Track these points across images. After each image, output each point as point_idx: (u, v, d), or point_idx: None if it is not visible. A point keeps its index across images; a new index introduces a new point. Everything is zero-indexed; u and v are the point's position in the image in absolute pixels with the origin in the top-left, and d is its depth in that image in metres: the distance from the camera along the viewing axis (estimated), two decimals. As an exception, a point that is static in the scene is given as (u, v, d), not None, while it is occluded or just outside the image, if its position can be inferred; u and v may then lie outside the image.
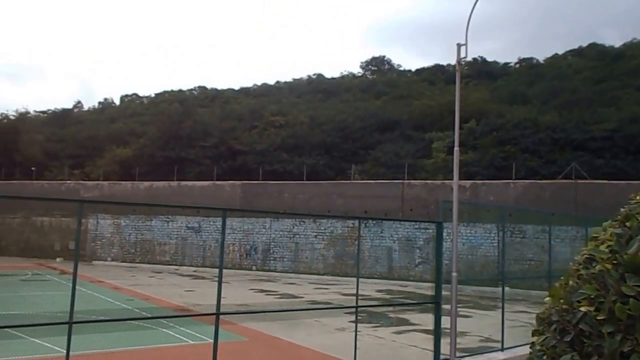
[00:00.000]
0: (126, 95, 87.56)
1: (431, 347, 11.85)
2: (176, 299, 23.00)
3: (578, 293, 3.77)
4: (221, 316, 8.49)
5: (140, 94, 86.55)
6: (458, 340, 12.94)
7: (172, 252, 41.48)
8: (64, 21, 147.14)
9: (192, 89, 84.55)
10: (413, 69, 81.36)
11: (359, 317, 11.36)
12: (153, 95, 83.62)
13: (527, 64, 73.01)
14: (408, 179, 38.59)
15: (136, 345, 14.02)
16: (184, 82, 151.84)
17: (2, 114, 60.43)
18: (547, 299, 4.08)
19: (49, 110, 78.64)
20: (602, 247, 4.01)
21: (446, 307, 12.48)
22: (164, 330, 15.75)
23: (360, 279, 11.29)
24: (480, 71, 68.85)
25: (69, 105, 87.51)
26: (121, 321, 13.34)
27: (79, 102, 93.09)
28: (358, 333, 10.86)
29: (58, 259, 42.63)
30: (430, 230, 32.61)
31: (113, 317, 13.17)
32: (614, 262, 3.77)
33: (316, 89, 75.57)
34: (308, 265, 37.57)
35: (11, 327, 12.92)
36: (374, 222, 35.80)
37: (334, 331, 17.03)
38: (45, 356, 12.18)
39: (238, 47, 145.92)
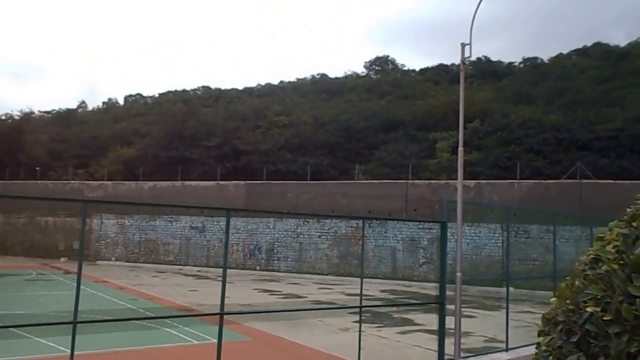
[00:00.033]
0: (130, 95, 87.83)
1: (435, 347, 11.82)
2: (180, 298, 23.02)
3: (584, 293, 3.75)
4: (225, 316, 8.48)
5: (144, 94, 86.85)
6: (462, 340, 12.90)
7: (176, 252, 41.53)
8: (68, 21, 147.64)
9: (195, 89, 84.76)
10: (417, 69, 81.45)
11: (362, 317, 11.33)
12: (157, 95, 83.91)
13: (532, 64, 72.86)
14: (412, 179, 38.55)
15: (140, 345, 14.03)
16: (188, 82, 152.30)
17: (6, 114, 60.69)
18: (553, 299, 4.06)
19: (53, 110, 78.96)
20: (609, 247, 3.99)
21: (450, 307, 12.44)
22: (168, 330, 15.77)
23: (364, 279, 11.25)
24: (485, 71, 68.73)
25: (73, 105, 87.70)
26: (125, 321, 13.33)
27: (83, 102, 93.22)
28: (362, 333, 10.83)
29: (62, 259, 42.74)
30: (435, 230, 32.57)
31: (117, 316, 13.18)
32: (621, 262, 3.74)
33: (320, 88, 75.57)
34: (312, 265, 37.56)
35: (16, 326, 12.99)
36: (378, 222, 35.78)
37: (337, 331, 17.01)
38: (50, 356, 12.19)
39: (242, 47, 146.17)
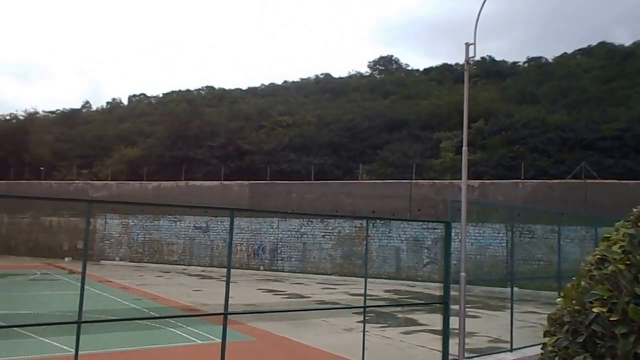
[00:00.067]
0: (134, 95, 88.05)
1: (439, 347, 11.79)
2: (184, 298, 23.03)
3: (590, 294, 3.73)
4: (229, 316, 8.48)
5: (148, 94, 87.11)
6: (466, 340, 12.87)
7: (180, 252, 41.58)
8: (72, 21, 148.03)
9: (199, 89, 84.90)
10: (421, 69, 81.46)
11: (366, 317, 11.33)
12: (161, 95, 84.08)
13: (536, 63, 72.75)
14: (416, 179, 38.51)
15: (144, 344, 14.04)
16: (192, 82, 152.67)
17: (11, 114, 60.87)
18: (559, 299, 4.04)
19: (57, 110, 79.21)
20: (615, 248, 3.97)
21: (454, 307, 12.41)
22: (172, 329, 15.77)
23: (368, 279, 11.25)
24: (489, 70, 68.66)
25: (78, 106, 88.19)
26: (129, 321, 13.35)
27: (87, 102, 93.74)
28: (366, 333, 10.81)
29: (66, 259, 42.83)
30: (439, 230, 32.52)
31: (121, 316, 13.19)
32: (627, 262, 3.73)
33: (324, 88, 75.60)
34: (316, 265, 37.55)
35: (20, 326, 13.02)
36: (382, 222, 35.74)
37: (341, 331, 17.00)
38: (54, 355, 12.21)
39: (246, 46, 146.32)
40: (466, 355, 12.42)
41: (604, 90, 52.50)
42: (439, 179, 38.71)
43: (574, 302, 3.87)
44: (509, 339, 13.52)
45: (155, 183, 44.75)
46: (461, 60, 15.35)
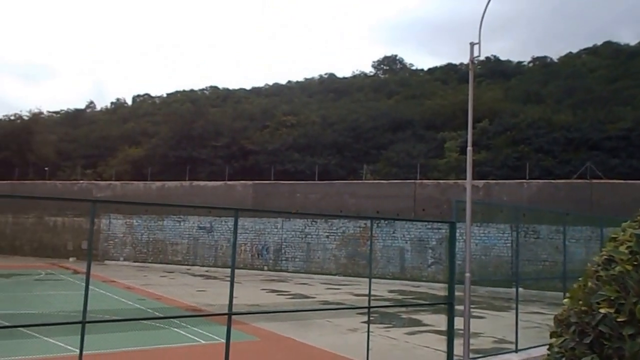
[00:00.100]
0: (138, 95, 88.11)
1: (444, 348, 11.76)
2: (188, 298, 23.03)
3: (598, 294, 3.70)
4: (233, 316, 8.46)
5: (152, 94, 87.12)
6: (471, 341, 12.82)
7: (184, 252, 41.62)
8: (76, 21, 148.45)
9: (203, 89, 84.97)
10: (425, 68, 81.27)
11: (371, 318, 11.28)
12: (165, 95, 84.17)
13: (541, 63, 72.55)
14: (420, 179, 38.45)
15: (148, 345, 14.04)
16: (196, 82, 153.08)
17: (15, 114, 61.07)
18: (566, 300, 4.01)
19: (61, 110, 79.47)
20: (622, 248, 3.94)
21: (459, 307, 12.38)
22: (176, 330, 15.78)
23: (373, 280, 11.21)
24: (494, 70, 68.50)
25: (82, 106, 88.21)
26: (133, 321, 13.34)
27: (92, 102, 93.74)
28: (370, 333, 10.79)
29: (71, 259, 42.93)
30: (443, 231, 32.48)
31: (125, 316, 13.19)
32: (634, 263, 3.70)
33: (328, 88, 75.57)
34: (320, 266, 37.53)
35: (25, 326, 13.04)
36: (386, 222, 35.70)
37: (346, 332, 16.97)
38: (59, 355, 12.22)
39: (249, 46, 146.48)
40: (471, 355, 12.38)
41: (610, 89, 52.33)
42: (443, 179, 38.64)
43: (580, 302, 3.84)
44: (514, 340, 13.48)
45: (159, 183, 44.81)
46: (466, 60, 15.33)
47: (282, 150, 50.11)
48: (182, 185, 43.77)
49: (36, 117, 62.43)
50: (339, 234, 37.29)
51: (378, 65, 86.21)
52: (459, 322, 12.07)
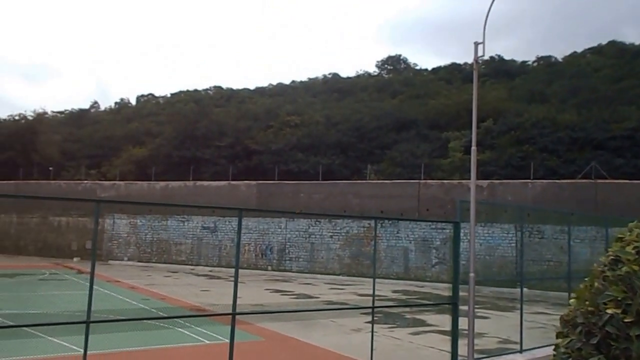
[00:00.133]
0: (142, 95, 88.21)
1: (448, 348, 11.73)
2: (192, 298, 23.05)
3: (604, 295, 3.68)
4: (237, 316, 8.45)
5: (156, 94, 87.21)
6: (476, 341, 12.80)
7: (188, 252, 41.65)
8: (80, 21, 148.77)
9: (207, 89, 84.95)
10: (429, 68, 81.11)
11: (375, 318, 11.27)
12: (169, 95, 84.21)
13: (546, 62, 72.37)
14: (424, 179, 38.39)
15: (152, 344, 14.05)
16: (200, 82, 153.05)
17: (20, 114, 61.20)
18: (572, 300, 3.99)
19: (66, 110, 79.62)
20: (629, 249, 3.92)
21: (463, 308, 12.35)
22: (180, 330, 15.78)
23: (377, 280, 11.20)
24: (498, 70, 68.36)
25: (86, 106, 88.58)
26: (137, 321, 13.36)
27: (96, 102, 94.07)
28: (374, 334, 10.77)
29: (75, 259, 43.01)
30: (447, 231, 32.41)
31: (129, 316, 13.19)
32: (642, 263, 3.67)
33: (332, 88, 75.54)
34: (324, 266, 37.51)
35: (29, 325, 13.07)
36: (390, 222, 35.66)
37: (350, 332, 16.95)
38: (63, 355, 12.23)
39: (253, 46, 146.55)
40: (475, 356, 12.35)
41: (614, 89, 52.14)
42: (447, 179, 38.57)
43: (587, 303, 3.82)
44: (518, 340, 13.45)
45: (163, 183, 44.86)
46: (470, 60, 15.27)
47: (286, 150, 50.10)
48: (186, 185, 43.81)
49: (40, 117, 62.57)
50: (343, 234, 37.26)
51: (382, 65, 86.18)
52: (463, 323, 12.04)
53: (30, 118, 60.58)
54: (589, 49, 71.95)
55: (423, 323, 19.22)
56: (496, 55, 72.82)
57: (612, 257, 4.05)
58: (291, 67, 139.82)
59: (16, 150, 54.40)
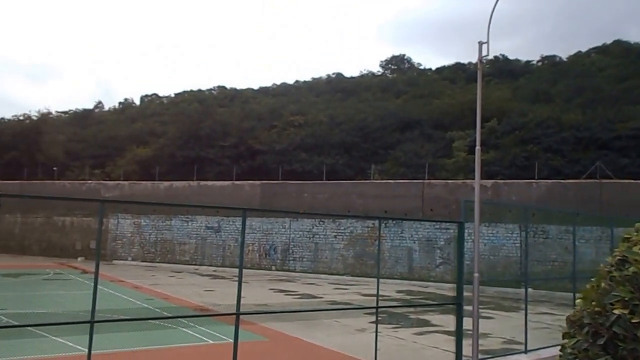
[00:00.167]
0: (146, 96, 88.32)
1: (453, 348, 11.70)
2: (196, 298, 23.07)
3: (611, 295, 3.65)
4: (241, 316, 8.44)
5: (160, 94, 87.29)
6: (480, 341, 12.76)
7: (192, 252, 41.70)
8: (84, 22, 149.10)
9: (211, 89, 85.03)
10: (433, 68, 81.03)
11: (379, 318, 11.24)
12: (173, 95, 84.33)
13: (550, 62, 72.20)
14: (428, 179, 38.35)
15: (156, 344, 14.05)
16: (204, 82, 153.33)
17: (24, 114, 61.35)
18: (579, 300, 3.96)
19: (70, 110, 79.88)
20: (636, 249, 3.89)
21: (468, 308, 12.31)
22: (184, 329, 15.78)
23: (381, 280, 11.17)
24: (502, 69, 68.24)
25: (90, 106, 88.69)
26: (141, 320, 13.36)
27: (100, 102, 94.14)
28: (378, 334, 10.74)
29: (79, 259, 43.10)
30: (451, 231, 32.38)
31: (133, 316, 13.21)
32: (650, 263, 3.64)
33: (335, 88, 75.50)
34: (327, 266, 37.50)
35: (34, 325, 13.10)
36: (394, 222, 35.63)
37: (354, 332, 16.93)
38: (68, 355, 12.24)
39: (257, 46, 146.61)
40: (480, 356, 12.31)
41: (619, 88, 51.97)
42: (451, 179, 38.52)
43: (594, 303, 3.79)
44: (523, 340, 13.40)
45: (167, 183, 44.93)
46: (474, 59, 15.26)
47: (290, 150, 50.11)
48: (190, 185, 43.86)
49: (45, 118, 62.74)
50: (347, 233, 37.25)
51: (386, 64, 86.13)
52: (467, 323, 12.00)
53: (35, 118, 60.75)
54: (594, 48, 71.78)
55: (427, 323, 19.18)
56: (500, 54, 72.74)
57: (619, 257, 4.03)
58: (295, 67, 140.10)
59: (20, 150, 54.56)
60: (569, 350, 3.89)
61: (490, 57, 16.41)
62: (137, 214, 43.08)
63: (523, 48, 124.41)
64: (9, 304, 19.89)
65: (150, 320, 15.20)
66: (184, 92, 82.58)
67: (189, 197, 41.55)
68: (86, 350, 7.07)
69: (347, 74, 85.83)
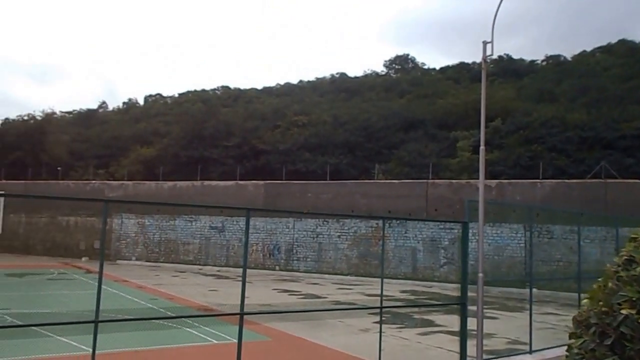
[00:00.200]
0: (150, 96, 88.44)
1: (457, 348, 11.67)
2: (200, 298, 23.08)
3: (618, 295, 3.63)
4: (245, 316, 8.43)
5: (164, 94, 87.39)
6: (485, 342, 12.73)
7: (196, 252, 41.72)
8: (88, 22, 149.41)
9: (215, 89, 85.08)
10: (437, 67, 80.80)
11: (383, 318, 11.23)
12: (177, 95, 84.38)
13: (555, 61, 71.97)
14: (432, 179, 38.28)
15: (160, 344, 14.05)
16: (207, 82, 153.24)
17: (28, 114, 61.57)
18: (585, 301, 3.94)
19: (74, 110, 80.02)
20: (643, 248, 3.86)
21: (472, 308, 12.27)
22: (188, 329, 15.78)
23: (384, 280, 11.15)
24: (506, 69, 68.07)
25: (94, 106, 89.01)
26: (145, 320, 13.36)
27: (104, 102, 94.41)
28: (382, 334, 10.72)
29: (83, 258, 43.18)
30: (455, 231, 32.31)
31: (137, 316, 13.20)
32: (657, 263, 3.61)
33: (339, 88, 75.46)
34: (331, 266, 37.48)
35: (38, 325, 13.12)
36: (398, 222, 35.58)
37: (358, 332, 16.90)
38: (72, 354, 12.25)
39: (260, 46, 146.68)
40: (484, 356, 12.28)
41: (624, 88, 51.79)
42: (455, 179, 38.44)
43: (601, 303, 3.76)
44: (528, 341, 13.37)
45: (171, 183, 44.97)
46: (478, 59, 15.20)
47: (294, 150, 50.11)
48: (194, 185, 43.89)
49: (49, 118, 62.90)
50: (351, 233, 37.21)
51: (390, 64, 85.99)
52: (471, 323, 11.98)
53: (39, 118, 60.92)
54: (599, 47, 71.51)
55: (431, 323, 19.15)
56: (505, 54, 72.55)
57: (626, 257, 4.00)
58: (298, 67, 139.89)
59: (25, 150, 54.71)
60: (575, 351, 3.87)
61: (495, 56, 16.37)
62: (141, 213, 43.13)
63: (527, 47, 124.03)
64: (14, 303, 19.93)
65: (154, 320, 15.22)
66: (188, 92, 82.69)
67: (192, 197, 41.58)
68: (90, 349, 7.08)
69: (351, 73, 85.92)
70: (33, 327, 12.50)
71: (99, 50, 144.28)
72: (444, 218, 31.40)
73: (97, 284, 7.11)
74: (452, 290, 27.00)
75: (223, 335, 14.91)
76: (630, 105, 46.09)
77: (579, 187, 32.58)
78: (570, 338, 3.99)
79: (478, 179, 13.97)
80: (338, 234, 37.57)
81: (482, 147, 13.93)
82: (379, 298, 10.61)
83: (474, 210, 13.33)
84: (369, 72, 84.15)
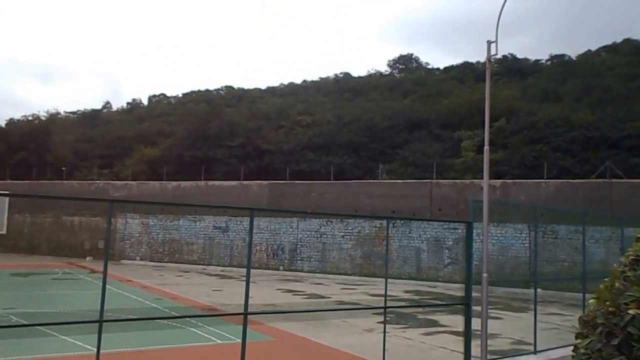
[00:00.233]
0: (154, 96, 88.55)
1: (461, 349, 11.64)
2: (204, 298, 23.10)
3: (625, 295, 3.61)
4: (249, 316, 8.43)
5: (168, 94, 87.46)
6: (489, 342, 12.68)
7: (200, 252, 41.76)
8: (92, 22, 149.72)
9: (219, 89, 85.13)
10: (441, 67, 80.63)
11: (387, 318, 11.20)
12: (180, 95, 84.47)
13: (559, 61, 71.77)
14: (436, 179, 38.23)
15: (164, 344, 14.06)
16: (211, 82, 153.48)
17: (33, 114, 61.76)
18: (592, 301, 3.91)
19: (78, 110, 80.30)
20: (650, 248, 3.83)
21: (476, 308, 12.24)
22: (192, 329, 15.79)
23: (389, 280, 11.13)
24: (511, 68, 67.90)
25: (98, 106, 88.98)
26: (150, 320, 13.37)
27: (108, 102, 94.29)
28: (386, 334, 10.71)
29: (88, 258, 43.27)
30: (459, 231, 32.26)
31: (142, 316, 13.22)
32: (665, 262, 3.59)
33: (343, 87, 75.41)
34: (335, 266, 37.46)
35: (43, 325, 13.15)
36: (402, 222, 35.55)
37: (362, 332, 16.89)
38: (76, 354, 12.27)
39: (265, 46, 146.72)
40: (489, 357, 12.24)
41: (629, 87, 51.60)
42: (459, 179, 38.38)
43: (607, 303, 3.74)
44: (532, 341, 13.32)
45: (175, 183, 45.03)
46: (482, 59, 15.19)
47: (298, 150, 50.11)
48: (198, 185, 43.94)
49: (53, 118, 63.09)
50: (355, 233, 37.19)
51: (394, 64, 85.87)
52: (476, 323, 11.94)
53: (44, 118, 61.11)
54: (603, 47, 71.27)
55: (435, 323, 19.12)
56: (509, 53, 72.37)
57: (632, 257, 3.98)
58: (302, 66, 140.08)
59: (29, 150, 54.86)
60: (582, 351, 3.85)
61: (499, 56, 16.32)
62: (145, 213, 43.20)
63: (532, 47, 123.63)
64: (18, 303, 19.98)
65: (158, 320, 15.22)
66: (192, 92, 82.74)
67: (196, 197, 41.62)
68: (95, 349, 7.08)
69: (355, 73, 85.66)
70: (38, 327, 12.53)
71: (103, 50, 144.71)
72: (448, 218, 31.34)
73: (101, 283, 7.12)
74: (456, 290, 26.95)
75: (227, 335, 14.91)
76: (635, 105, 45.92)
77: (583, 187, 32.49)
78: (576, 338, 3.97)
79: (482, 178, 13.93)
80: (342, 233, 37.55)
81: (486, 147, 13.89)
82: (382, 298, 10.58)
83: (478, 210, 13.29)
84: (372, 72, 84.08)
